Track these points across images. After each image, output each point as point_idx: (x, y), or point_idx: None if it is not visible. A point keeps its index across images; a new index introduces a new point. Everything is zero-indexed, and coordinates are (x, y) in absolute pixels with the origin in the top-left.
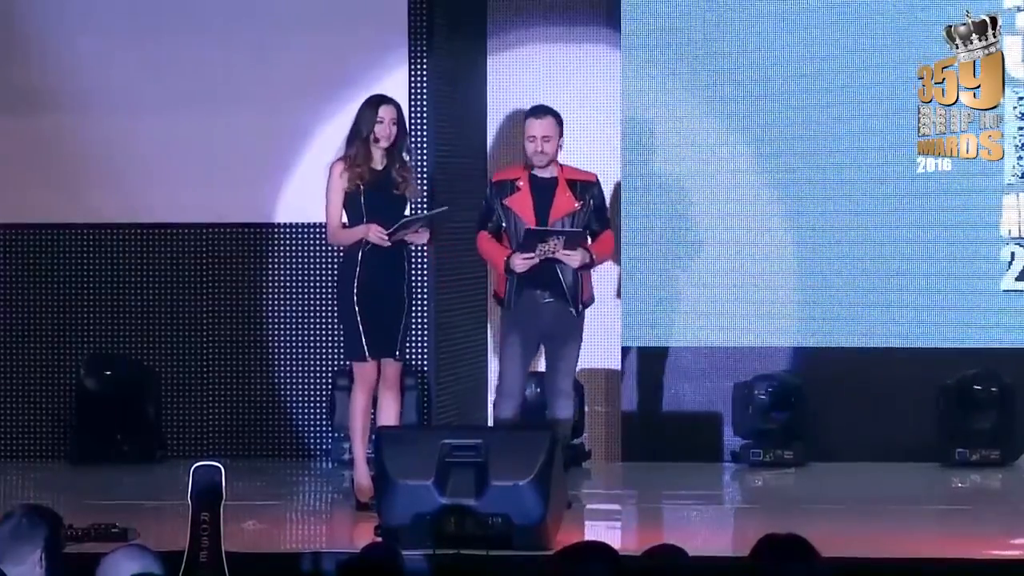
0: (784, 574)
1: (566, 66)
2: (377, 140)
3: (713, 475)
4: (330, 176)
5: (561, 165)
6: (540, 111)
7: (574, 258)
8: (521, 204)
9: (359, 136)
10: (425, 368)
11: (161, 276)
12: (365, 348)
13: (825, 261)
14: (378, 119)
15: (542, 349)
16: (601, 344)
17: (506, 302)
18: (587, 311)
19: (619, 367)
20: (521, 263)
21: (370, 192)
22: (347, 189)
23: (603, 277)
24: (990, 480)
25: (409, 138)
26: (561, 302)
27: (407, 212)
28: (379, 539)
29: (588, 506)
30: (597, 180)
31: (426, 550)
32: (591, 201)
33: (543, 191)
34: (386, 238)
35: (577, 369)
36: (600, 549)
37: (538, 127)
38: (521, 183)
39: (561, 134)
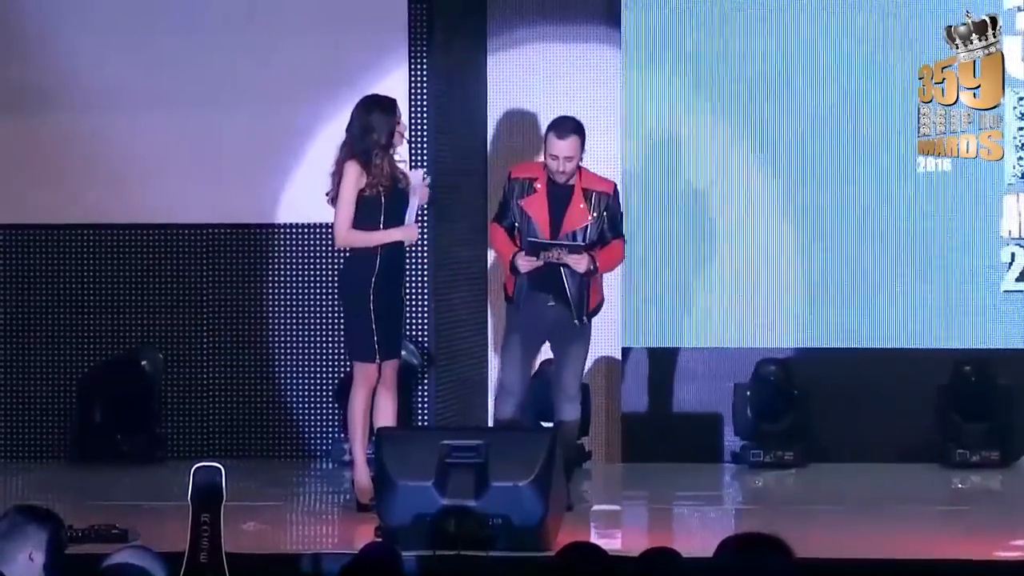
0: (747, 571)
1: (566, 66)
2: (395, 146)
3: (713, 476)
4: (346, 176)
5: (580, 171)
6: (564, 130)
7: (580, 262)
8: (537, 208)
9: (378, 143)
10: (425, 366)
11: (161, 276)
12: (376, 349)
13: (825, 261)
14: (398, 123)
15: (544, 350)
16: (602, 344)
17: (514, 299)
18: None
19: (619, 367)
20: (524, 264)
21: (387, 196)
22: (367, 195)
23: (605, 276)
24: (990, 481)
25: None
26: (564, 308)
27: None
28: (379, 540)
29: (589, 507)
30: (615, 190)
31: (426, 551)
32: (605, 213)
33: (559, 198)
34: (415, 235)
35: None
36: (588, 550)
37: (561, 147)
38: (539, 185)
39: (584, 148)
